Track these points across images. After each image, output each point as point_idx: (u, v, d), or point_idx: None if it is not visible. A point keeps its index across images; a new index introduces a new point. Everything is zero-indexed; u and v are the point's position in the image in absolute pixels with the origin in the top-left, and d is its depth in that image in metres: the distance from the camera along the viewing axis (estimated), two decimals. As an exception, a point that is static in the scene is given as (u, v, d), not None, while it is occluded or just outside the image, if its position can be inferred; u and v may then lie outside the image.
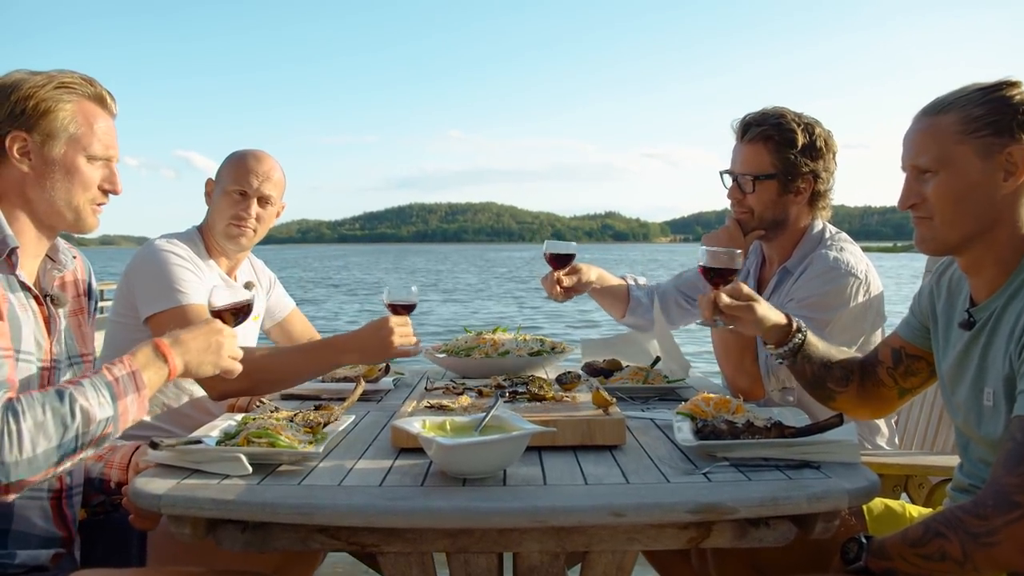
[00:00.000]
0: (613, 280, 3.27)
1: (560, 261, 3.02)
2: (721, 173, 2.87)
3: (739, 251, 2.29)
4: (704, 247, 2.32)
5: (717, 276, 2.25)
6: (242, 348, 2.67)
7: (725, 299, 2.20)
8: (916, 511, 2.13)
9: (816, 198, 2.79)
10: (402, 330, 2.61)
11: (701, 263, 2.28)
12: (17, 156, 1.86)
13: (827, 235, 2.80)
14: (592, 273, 3.16)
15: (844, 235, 2.82)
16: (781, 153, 2.71)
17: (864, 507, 2.07)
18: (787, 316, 2.26)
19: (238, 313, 2.07)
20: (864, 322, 2.65)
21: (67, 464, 1.67)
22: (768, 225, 2.79)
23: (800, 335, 2.25)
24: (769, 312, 2.23)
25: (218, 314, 2.04)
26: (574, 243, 3.16)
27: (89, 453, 1.71)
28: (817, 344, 2.28)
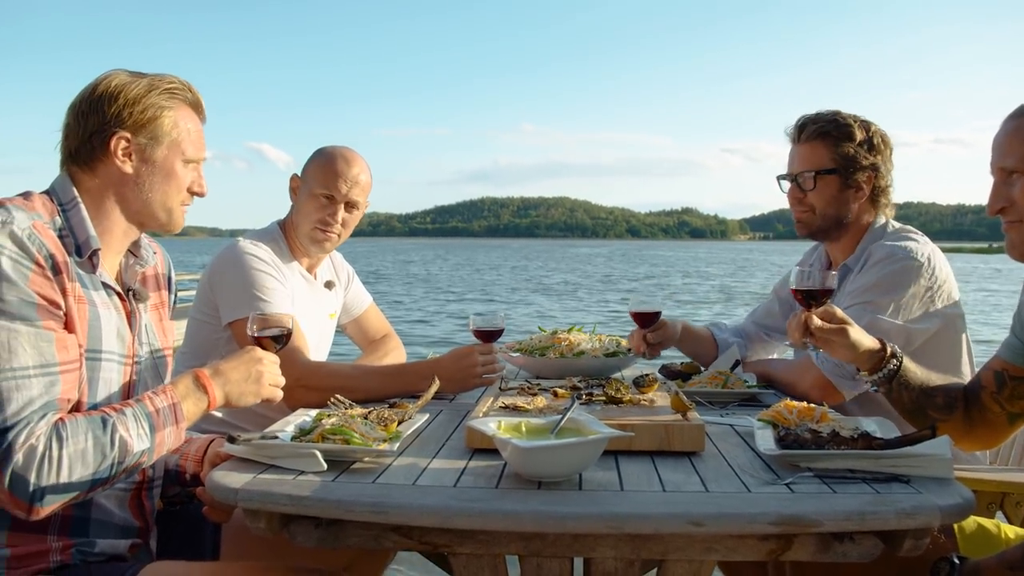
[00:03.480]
0: (698, 330, 3.24)
1: (645, 320, 3.00)
2: (778, 178, 2.90)
3: (833, 272, 2.23)
4: (797, 267, 2.27)
5: (810, 298, 2.19)
6: (327, 364, 2.70)
7: (817, 322, 2.14)
8: (1012, 532, 2.03)
9: (877, 194, 2.78)
10: (486, 359, 2.62)
11: (793, 285, 2.22)
12: (121, 157, 1.91)
13: (890, 228, 2.78)
14: (677, 327, 3.13)
15: (911, 228, 2.78)
16: (840, 147, 2.73)
17: (955, 525, 1.98)
18: (881, 341, 2.19)
19: (279, 339, 2.09)
20: (933, 314, 2.57)
21: (96, 492, 1.73)
22: (831, 223, 2.78)
23: (895, 360, 2.17)
24: (862, 337, 2.16)
25: (258, 341, 2.07)
26: (658, 298, 3.10)
27: (120, 479, 1.76)
28: (915, 370, 2.20)
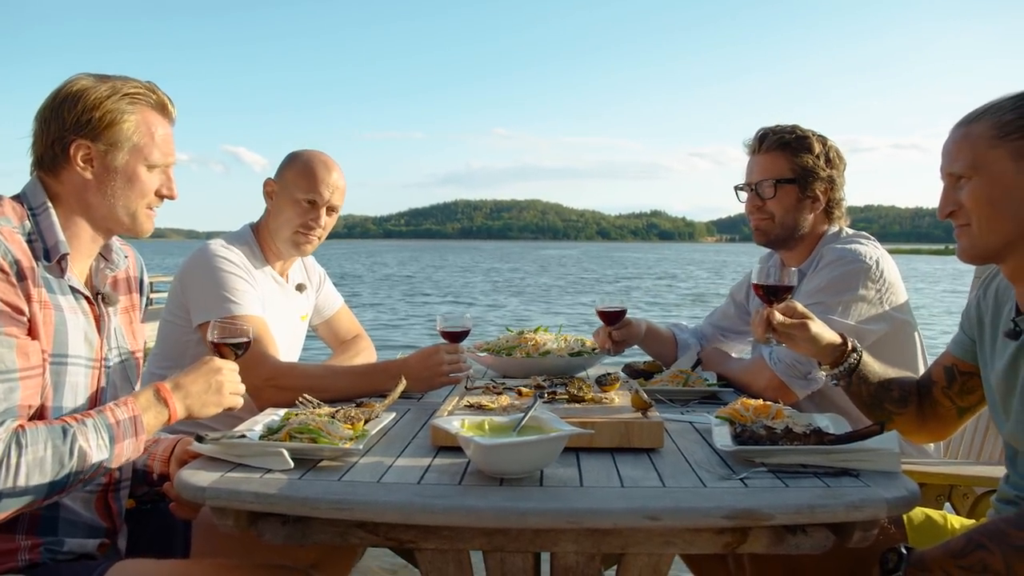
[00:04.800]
0: (661, 330, 3.28)
1: (611, 318, 3.04)
2: (736, 188, 2.96)
3: (794, 268, 2.29)
4: (758, 265, 2.32)
5: (771, 294, 2.25)
6: (297, 365, 2.72)
7: (779, 317, 2.20)
8: (958, 522, 2.09)
9: (832, 206, 2.86)
10: (452, 358, 2.64)
11: (754, 281, 2.28)
12: (81, 164, 1.91)
13: (843, 234, 2.85)
14: (642, 327, 3.18)
15: (863, 233, 2.85)
16: (799, 158, 2.80)
17: (904, 517, 2.04)
18: (842, 336, 2.25)
19: (239, 347, 2.10)
20: (882, 316, 2.63)
21: (53, 499, 1.73)
22: (789, 232, 2.85)
23: (855, 355, 2.23)
24: (823, 331, 2.22)
25: (217, 348, 2.07)
26: (623, 299, 3.13)
27: (77, 488, 1.77)
28: (873, 364, 2.25)
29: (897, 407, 2.23)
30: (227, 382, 2.01)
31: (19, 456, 1.63)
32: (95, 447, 1.74)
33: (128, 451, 1.84)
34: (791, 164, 2.80)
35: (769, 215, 2.85)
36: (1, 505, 1.63)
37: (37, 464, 1.65)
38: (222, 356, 2.05)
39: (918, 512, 2.07)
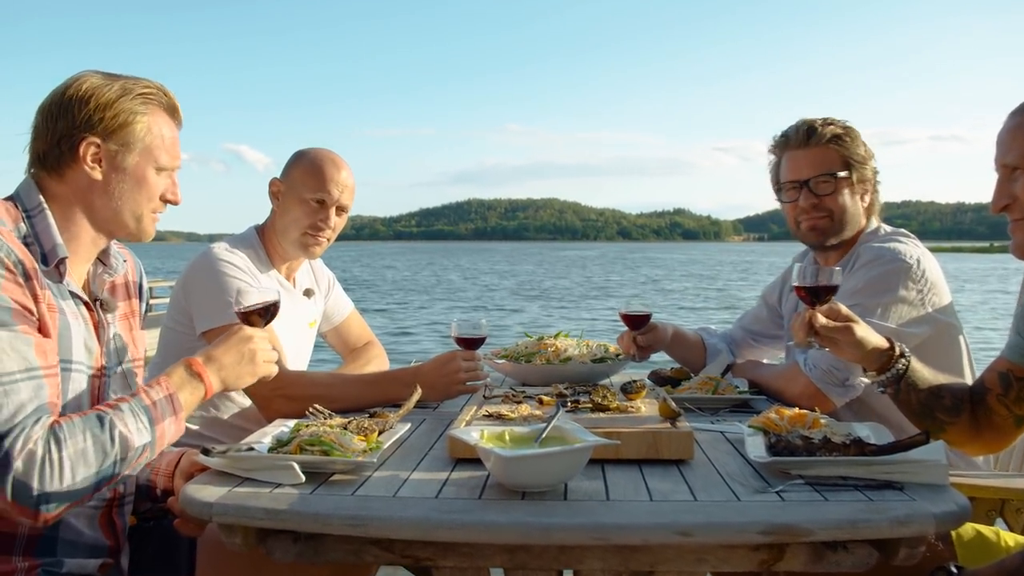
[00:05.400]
0: (688, 334, 3.20)
1: (636, 322, 2.97)
2: (779, 186, 2.82)
3: (837, 268, 2.19)
4: (798, 264, 2.23)
5: (813, 295, 2.15)
6: (307, 374, 2.66)
7: (821, 320, 2.10)
8: (1012, 539, 1.99)
9: (873, 200, 2.78)
10: (468, 365, 2.58)
11: (795, 282, 2.18)
12: (90, 163, 1.87)
13: (881, 231, 2.76)
14: (668, 331, 3.11)
15: (902, 231, 2.75)
16: (849, 151, 2.71)
17: (953, 533, 1.95)
18: (889, 340, 2.15)
19: (265, 313, 2.06)
20: (924, 318, 2.53)
21: (103, 490, 1.70)
22: (845, 228, 2.73)
23: (904, 360, 2.13)
24: (869, 335, 2.12)
25: (246, 317, 2.04)
26: (648, 305, 3.06)
27: (126, 476, 1.74)
28: (923, 370, 2.15)
29: (949, 416, 2.12)
30: (260, 350, 1.98)
31: (60, 451, 1.60)
32: (135, 431, 1.71)
33: (171, 431, 1.81)
34: (843, 157, 2.71)
35: (827, 212, 2.72)
36: (51, 504, 1.60)
37: (80, 456, 1.62)
38: (251, 325, 2.03)
39: (968, 528, 1.97)
